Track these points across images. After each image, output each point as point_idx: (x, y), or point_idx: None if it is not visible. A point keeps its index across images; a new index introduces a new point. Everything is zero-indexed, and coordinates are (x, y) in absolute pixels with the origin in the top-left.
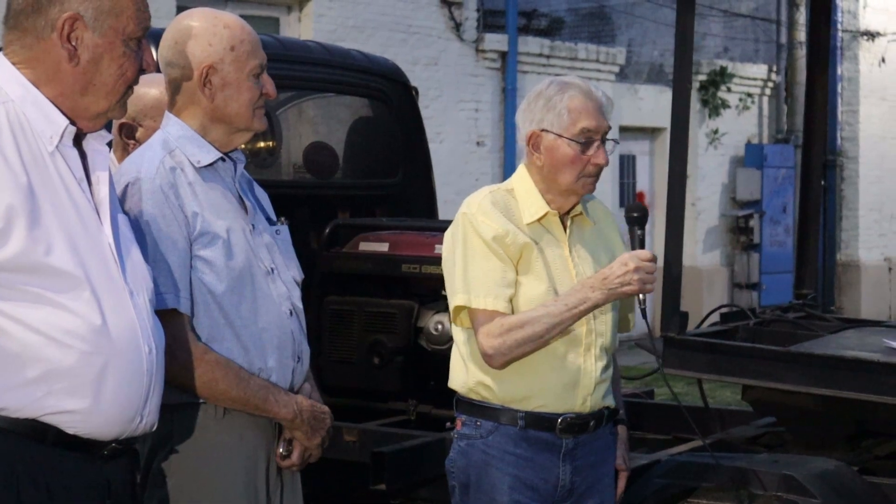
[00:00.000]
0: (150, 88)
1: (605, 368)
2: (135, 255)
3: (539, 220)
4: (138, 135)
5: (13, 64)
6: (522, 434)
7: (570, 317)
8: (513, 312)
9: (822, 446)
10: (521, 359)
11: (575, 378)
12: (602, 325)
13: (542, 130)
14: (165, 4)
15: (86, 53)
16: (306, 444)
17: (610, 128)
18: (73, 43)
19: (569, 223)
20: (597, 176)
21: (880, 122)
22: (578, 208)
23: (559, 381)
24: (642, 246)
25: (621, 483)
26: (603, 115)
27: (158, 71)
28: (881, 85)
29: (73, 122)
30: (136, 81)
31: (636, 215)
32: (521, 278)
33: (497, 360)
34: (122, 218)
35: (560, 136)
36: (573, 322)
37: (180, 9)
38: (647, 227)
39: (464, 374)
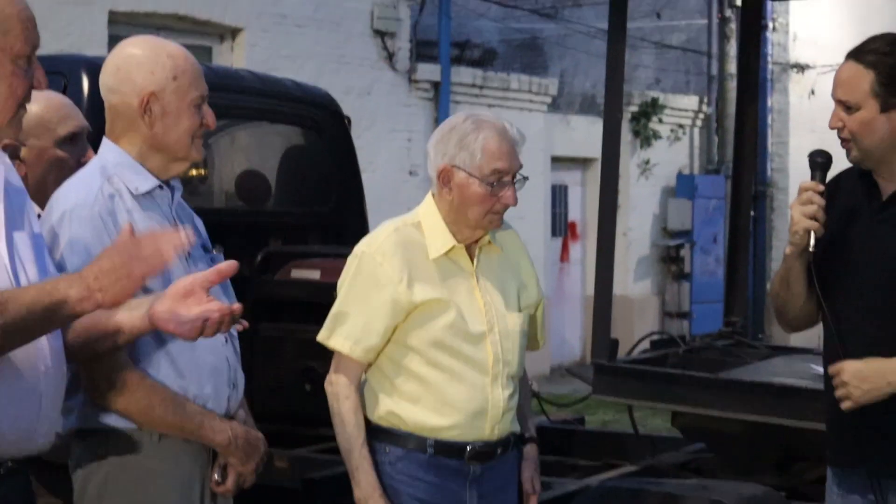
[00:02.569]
0: (31, 106)
1: (512, 396)
2: (32, 274)
3: (445, 253)
4: (22, 154)
5: None
6: (431, 461)
7: (351, 460)
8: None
9: (751, 472)
10: None
11: (483, 407)
12: (509, 354)
13: (454, 167)
14: (98, 31)
15: None
16: (241, 470)
17: (521, 166)
18: None
19: (476, 252)
20: (503, 213)
21: None
22: (486, 238)
23: (468, 410)
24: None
25: None
26: (515, 156)
27: (50, 88)
28: (810, 117)
29: None
30: (27, 99)
31: (820, 160)
32: (430, 312)
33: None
34: (19, 236)
35: (471, 175)
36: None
37: (112, 36)
38: (579, 255)
39: (372, 402)
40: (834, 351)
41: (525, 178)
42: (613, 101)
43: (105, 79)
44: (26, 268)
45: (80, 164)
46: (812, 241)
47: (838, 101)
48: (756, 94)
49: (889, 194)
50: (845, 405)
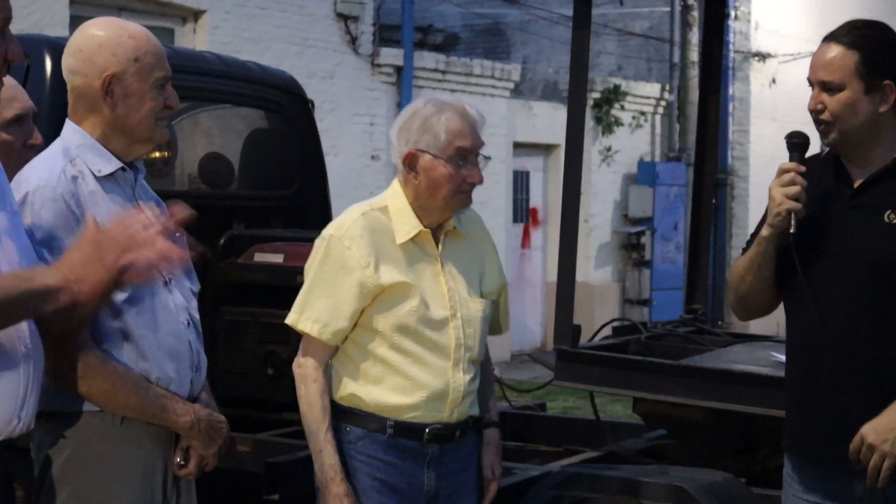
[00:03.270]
0: None
1: (472, 380)
2: (12, 252)
3: (412, 238)
4: None
5: None
6: (391, 441)
7: (315, 442)
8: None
9: (711, 458)
10: None
11: (444, 391)
12: (471, 340)
13: (419, 151)
14: (59, 12)
15: None
16: (203, 453)
17: (483, 144)
18: None
19: (442, 238)
20: (471, 191)
21: (770, 142)
22: (451, 223)
23: (429, 393)
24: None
25: (492, 490)
26: (478, 135)
27: (24, 62)
28: (772, 106)
29: None
30: (3, 72)
31: (798, 141)
32: (395, 296)
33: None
34: (0, 215)
35: (437, 156)
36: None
37: (73, 17)
38: (540, 242)
39: (336, 383)
40: (812, 333)
41: (487, 158)
42: (578, 87)
43: (67, 60)
44: (5, 245)
45: (26, 146)
46: (793, 223)
47: (819, 83)
48: (718, 83)
49: (861, 181)
50: (889, 463)
